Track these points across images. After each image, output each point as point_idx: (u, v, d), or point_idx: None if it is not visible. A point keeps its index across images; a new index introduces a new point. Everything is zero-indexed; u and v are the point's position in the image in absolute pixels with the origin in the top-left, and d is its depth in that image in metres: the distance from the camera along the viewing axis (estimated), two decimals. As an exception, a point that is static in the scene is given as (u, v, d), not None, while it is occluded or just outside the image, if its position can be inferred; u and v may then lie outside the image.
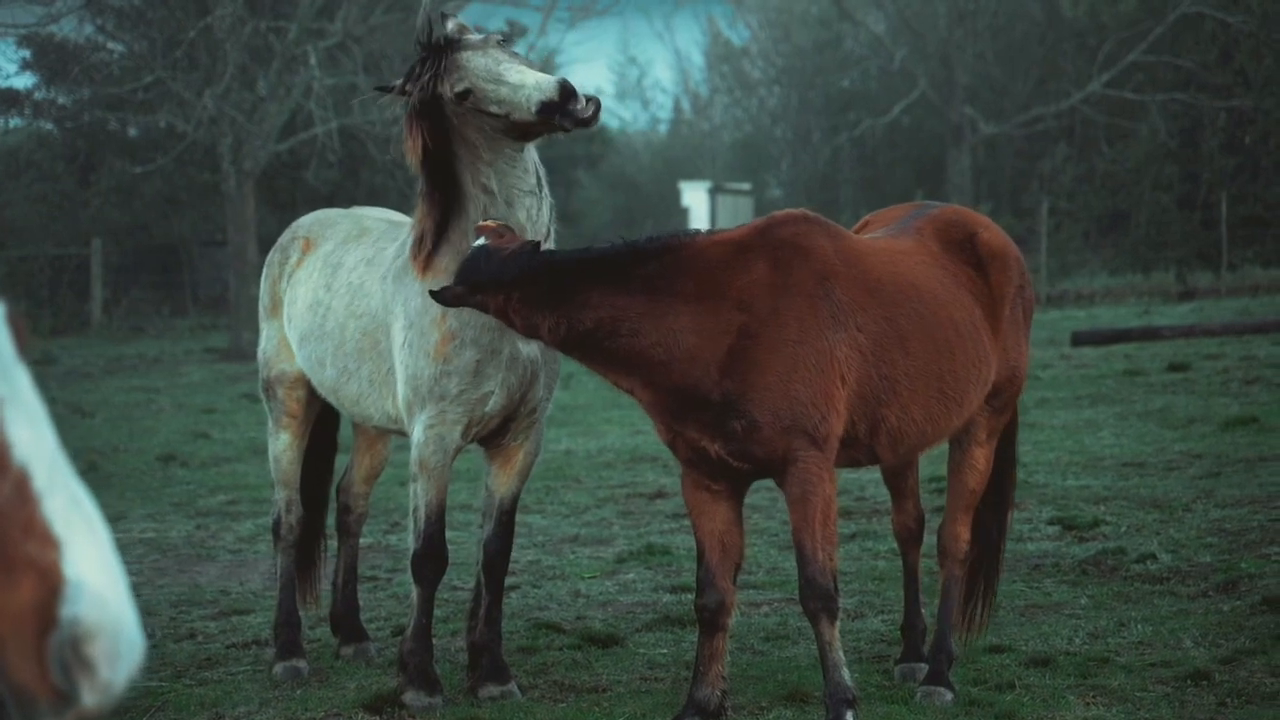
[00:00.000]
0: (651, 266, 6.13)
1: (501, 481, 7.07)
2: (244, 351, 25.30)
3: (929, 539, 7.50)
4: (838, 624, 6.22)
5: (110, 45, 31.99)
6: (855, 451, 6.44)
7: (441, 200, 6.70)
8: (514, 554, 7.68)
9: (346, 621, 7.92)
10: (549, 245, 6.69)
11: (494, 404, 6.82)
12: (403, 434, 7.09)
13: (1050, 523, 10.25)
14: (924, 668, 6.95)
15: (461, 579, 8.98)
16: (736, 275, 6.17)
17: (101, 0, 30.32)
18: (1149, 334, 21.60)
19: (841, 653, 6.24)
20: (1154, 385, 17.19)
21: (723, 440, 6.13)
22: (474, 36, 6.63)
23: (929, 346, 6.46)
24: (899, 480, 7.32)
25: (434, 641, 7.05)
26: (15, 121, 34.55)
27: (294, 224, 7.91)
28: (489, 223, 6.33)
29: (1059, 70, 40.35)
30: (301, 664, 7.53)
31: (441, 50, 6.55)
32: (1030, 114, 39.79)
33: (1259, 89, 36.51)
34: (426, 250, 6.75)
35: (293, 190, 33.33)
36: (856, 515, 10.83)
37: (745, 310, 6.12)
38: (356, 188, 32.86)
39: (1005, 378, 6.88)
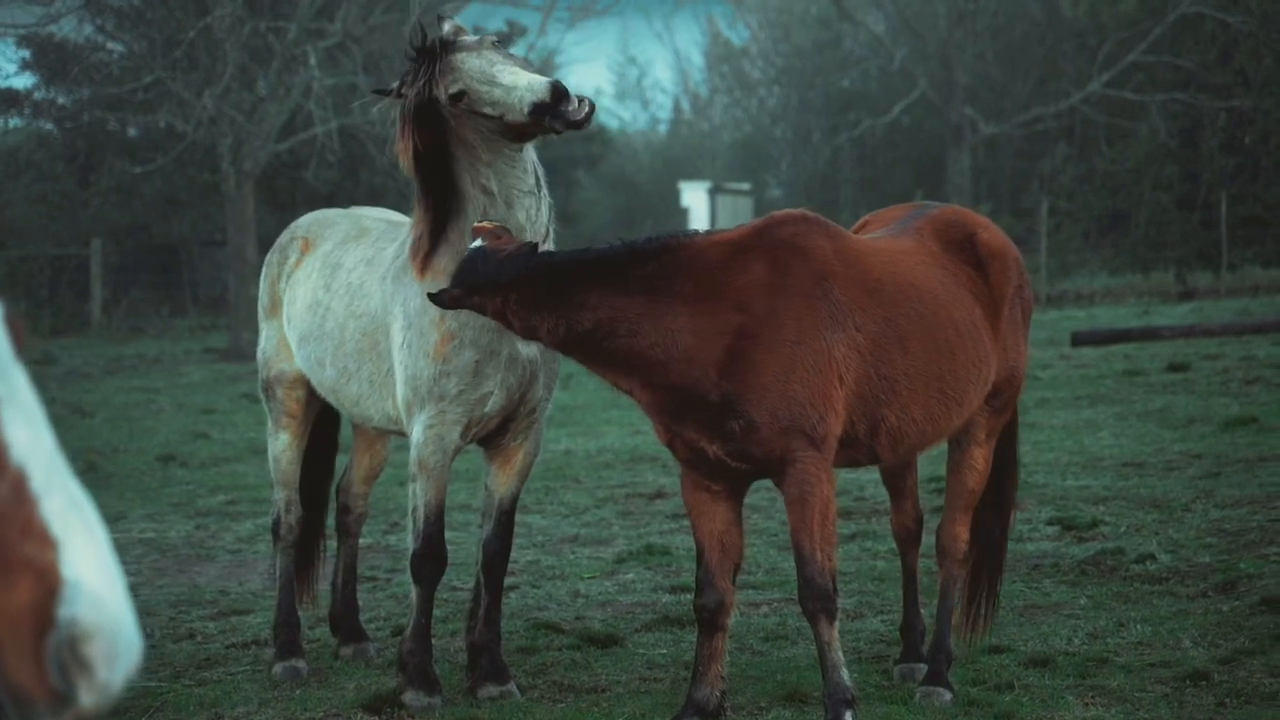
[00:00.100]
0: (650, 267, 6.13)
1: (501, 482, 7.07)
2: (244, 352, 25.30)
3: (928, 539, 7.50)
4: (837, 624, 6.22)
5: (110, 45, 31.99)
6: (855, 451, 6.44)
7: (435, 202, 6.71)
8: (513, 554, 7.68)
9: (346, 622, 7.92)
10: (548, 245, 6.69)
11: (493, 404, 6.82)
12: (403, 434, 7.10)
13: (1049, 523, 10.25)
14: (923, 668, 6.95)
15: (461, 579, 8.98)
16: (735, 276, 6.17)
17: (101, 0, 30.32)
18: (1149, 334, 21.60)
19: (840, 653, 6.24)
20: (1154, 385, 17.19)
21: (721, 441, 6.13)
22: (469, 38, 6.65)
23: (929, 346, 6.46)
24: (898, 480, 7.32)
25: (433, 642, 7.06)
26: (15, 121, 34.57)
27: (293, 224, 7.92)
28: (485, 224, 6.32)
29: (1059, 70, 40.36)
30: (301, 664, 7.54)
31: (436, 53, 6.56)
32: (1030, 114, 39.79)
33: (1259, 89, 36.53)
34: (424, 251, 6.75)
35: (292, 190, 33.34)
36: (856, 515, 10.83)
37: (743, 311, 6.12)
38: (356, 188, 32.87)
39: (1004, 378, 6.88)
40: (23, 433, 2.36)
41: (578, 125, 6.36)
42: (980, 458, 6.98)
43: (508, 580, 7.78)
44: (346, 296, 7.22)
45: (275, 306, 7.72)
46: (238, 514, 12.11)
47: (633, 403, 6.40)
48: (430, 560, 6.89)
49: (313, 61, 28.07)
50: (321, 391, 7.47)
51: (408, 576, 7.02)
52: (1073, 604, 8.30)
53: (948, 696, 6.68)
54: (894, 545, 7.68)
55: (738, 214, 42.63)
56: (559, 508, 11.81)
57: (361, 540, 8.64)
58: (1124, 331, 22.09)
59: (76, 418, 18.62)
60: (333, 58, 30.26)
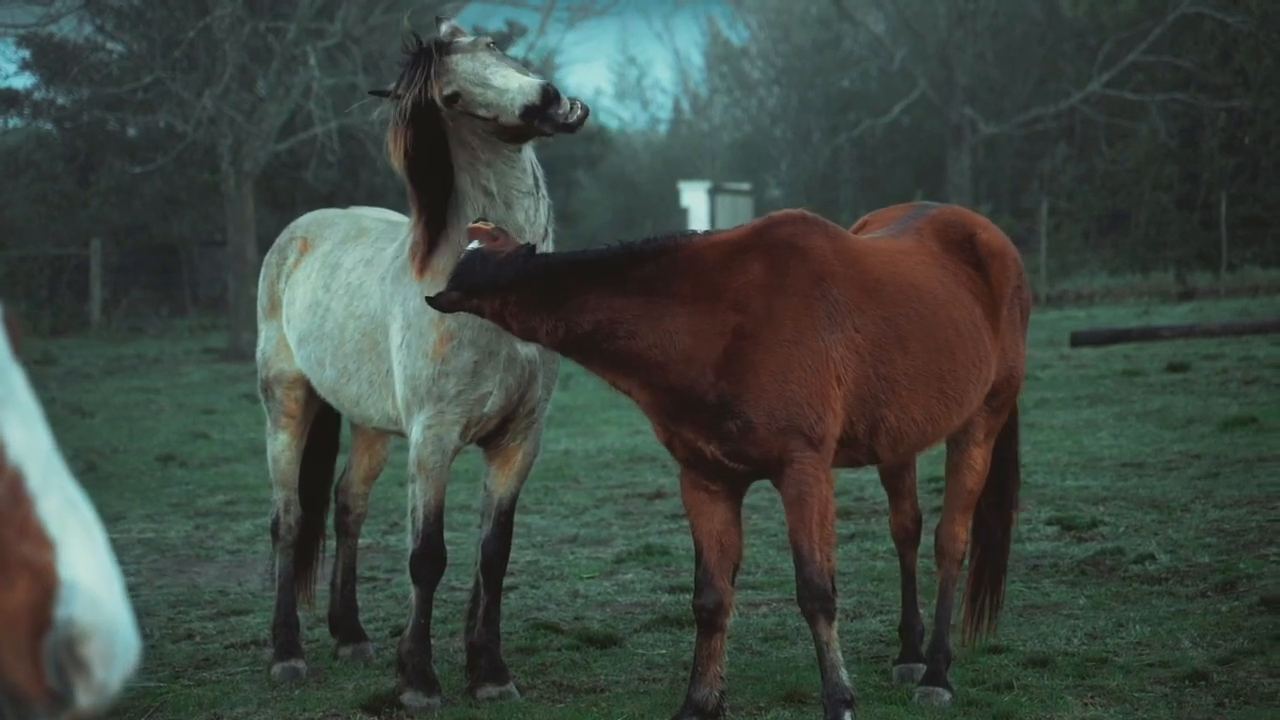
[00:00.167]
0: (648, 268, 6.13)
1: (500, 482, 7.07)
2: (243, 352, 25.30)
3: (927, 539, 7.50)
4: (835, 624, 6.22)
5: (109, 45, 31.98)
6: (855, 452, 6.44)
7: (427, 203, 6.72)
8: (512, 554, 7.68)
9: (345, 622, 7.92)
10: (547, 246, 6.69)
11: (492, 404, 6.82)
12: (402, 435, 7.10)
13: (1049, 523, 10.25)
14: (922, 668, 6.95)
15: (460, 579, 8.98)
16: (733, 276, 6.16)
17: (101, 0, 30.32)
18: (1148, 334, 21.60)
19: (839, 653, 6.24)
20: (1153, 385, 17.19)
21: (719, 441, 6.13)
22: (465, 39, 6.65)
23: (928, 346, 6.45)
24: (897, 481, 7.32)
25: (432, 642, 7.06)
26: (15, 121, 34.57)
27: (292, 224, 7.92)
28: (481, 224, 6.32)
29: (1059, 70, 40.35)
30: (300, 664, 7.53)
31: (430, 55, 6.57)
32: (1030, 114, 39.78)
33: (1259, 89, 36.51)
34: (423, 251, 6.76)
35: (292, 190, 33.33)
36: (855, 516, 10.83)
37: (741, 311, 6.12)
38: (356, 188, 32.87)
39: (1003, 378, 6.88)
40: (20, 432, 2.36)
41: (569, 128, 6.36)
42: (979, 458, 6.98)
43: (507, 580, 7.78)
44: (346, 297, 7.23)
45: (274, 307, 7.72)
46: (237, 514, 12.11)
47: (632, 403, 6.41)
48: (429, 560, 6.89)
49: (312, 61, 28.07)
50: (321, 392, 7.47)
51: (407, 577, 7.02)
52: (1072, 604, 8.30)
53: (946, 696, 6.68)
54: (893, 545, 7.68)
55: (737, 214, 42.62)
56: (558, 508, 11.81)
57: (361, 540, 8.64)
58: (1123, 332, 22.10)
59: (76, 418, 18.61)
60: (332, 58, 30.26)
